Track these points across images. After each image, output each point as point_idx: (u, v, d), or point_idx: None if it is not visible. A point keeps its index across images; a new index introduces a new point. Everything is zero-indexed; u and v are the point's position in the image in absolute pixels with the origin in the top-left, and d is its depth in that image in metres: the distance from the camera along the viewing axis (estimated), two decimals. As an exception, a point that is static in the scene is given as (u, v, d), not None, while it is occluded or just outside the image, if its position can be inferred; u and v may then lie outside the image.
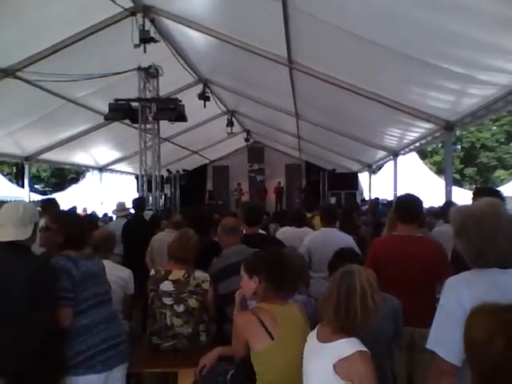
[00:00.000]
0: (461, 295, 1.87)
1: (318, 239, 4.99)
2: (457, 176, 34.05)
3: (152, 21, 7.76)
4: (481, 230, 1.94)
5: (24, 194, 13.63)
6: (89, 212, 12.65)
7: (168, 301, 3.60)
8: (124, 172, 18.25)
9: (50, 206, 5.94)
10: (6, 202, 3.75)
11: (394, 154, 12.03)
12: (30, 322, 2.55)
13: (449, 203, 6.07)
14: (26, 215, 2.73)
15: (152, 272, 3.78)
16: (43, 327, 2.63)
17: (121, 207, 7.70)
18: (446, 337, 1.88)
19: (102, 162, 15.99)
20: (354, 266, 2.27)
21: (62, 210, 5.66)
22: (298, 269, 3.31)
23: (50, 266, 2.83)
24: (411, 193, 3.93)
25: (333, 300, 2.18)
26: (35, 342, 2.57)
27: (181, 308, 3.58)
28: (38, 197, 19.99)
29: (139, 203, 7.47)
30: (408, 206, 3.77)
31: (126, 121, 10.13)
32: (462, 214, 2.04)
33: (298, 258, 3.54)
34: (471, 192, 4.47)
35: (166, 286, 3.63)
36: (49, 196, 17.31)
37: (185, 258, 3.73)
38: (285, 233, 5.75)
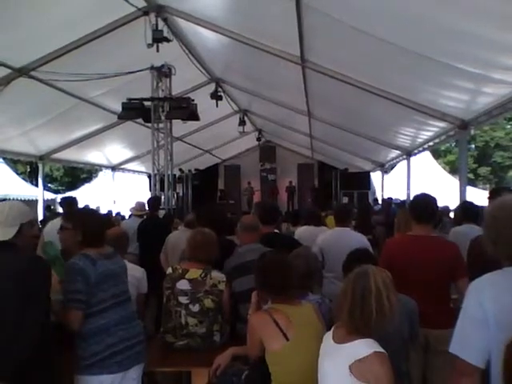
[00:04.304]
0: (481, 297, 1.85)
1: (332, 239, 4.97)
2: (471, 175, 33.70)
3: (165, 20, 7.78)
4: (496, 223, 1.92)
5: (38, 193, 13.75)
6: (104, 211, 12.74)
7: (184, 300, 3.59)
8: (136, 171, 18.34)
9: (68, 206, 6.00)
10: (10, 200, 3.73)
11: (407, 153, 11.95)
12: (20, 320, 2.49)
13: (465, 203, 6.00)
14: (10, 216, 2.67)
15: (169, 270, 3.76)
16: (35, 325, 2.55)
17: (140, 207, 7.75)
18: (467, 339, 1.86)
19: (115, 161, 16.09)
20: (368, 266, 2.24)
21: (79, 208, 5.71)
22: (304, 267, 3.26)
23: (37, 264, 2.75)
24: (426, 192, 3.89)
25: (348, 301, 2.16)
26: (26, 341, 2.49)
27: (196, 308, 3.57)
28: (51, 196, 20.20)
29: (154, 203, 7.51)
30: (424, 205, 3.73)
31: (139, 120, 10.21)
32: (487, 209, 2.03)
33: (311, 257, 3.51)
34: (485, 192, 4.43)
35: (183, 284, 3.61)
36: (64, 195, 17.47)
37: (205, 259, 3.71)
38: (304, 232, 5.74)
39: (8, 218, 2.66)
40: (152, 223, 7.04)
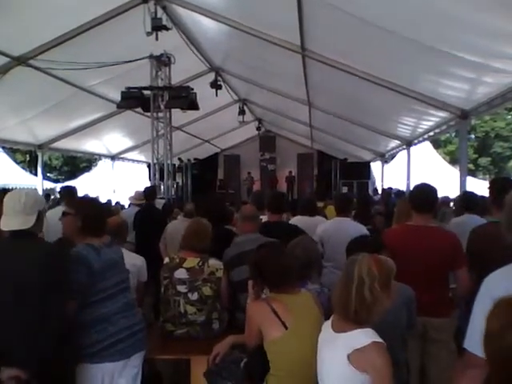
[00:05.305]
0: (494, 292, 1.81)
1: (331, 228, 4.96)
2: (471, 166, 33.67)
3: (164, 8, 7.73)
4: (510, 213, 1.91)
5: (37, 182, 13.74)
6: (103, 200, 12.77)
7: (182, 288, 3.61)
8: (136, 160, 18.32)
9: (68, 194, 6.01)
10: (12, 189, 3.74)
11: (408, 143, 11.94)
12: (46, 308, 2.55)
13: (466, 194, 5.99)
14: (28, 204, 2.69)
15: (166, 260, 3.79)
16: (60, 312, 2.63)
17: (139, 196, 7.78)
18: (476, 332, 1.85)
19: (114, 150, 16.06)
20: (362, 254, 2.19)
21: (80, 196, 5.71)
22: (303, 257, 3.25)
23: (59, 252, 2.84)
24: (426, 182, 3.88)
25: (337, 289, 2.18)
26: (53, 329, 2.57)
27: (195, 296, 3.60)
28: (50, 185, 20.17)
29: (150, 192, 7.52)
30: (424, 195, 3.72)
31: (138, 109, 10.18)
32: (507, 197, 2.01)
33: (311, 247, 3.50)
34: (485, 182, 4.41)
35: (181, 273, 3.63)
36: (64, 184, 17.42)
37: (201, 248, 3.73)
38: (299, 221, 5.72)
39: (26, 206, 2.68)
40: (148, 212, 7.06)
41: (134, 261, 4.12)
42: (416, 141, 11.60)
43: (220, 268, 3.68)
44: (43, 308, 2.53)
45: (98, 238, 3.03)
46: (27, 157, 34.26)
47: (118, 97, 9.42)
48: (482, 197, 5.23)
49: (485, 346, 1.47)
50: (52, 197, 15.52)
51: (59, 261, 2.71)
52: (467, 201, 5.43)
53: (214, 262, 3.69)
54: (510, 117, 37.49)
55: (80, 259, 2.86)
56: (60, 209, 5.40)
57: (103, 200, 13.01)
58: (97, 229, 3.07)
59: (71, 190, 6.21)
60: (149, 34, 7.37)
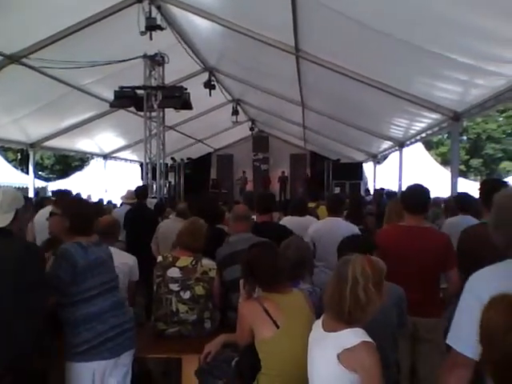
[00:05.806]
0: (479, 290, 1.81)
1: (323, 228, 4.97)
2: (462, 167, 33.75)
3: (158, 8, 7.72)
4: (498, 209, 1.92)
5: (29, 181, 13.67)
6: (95, 199, 12.74)
7: (174, 287, 3.61)
8: (128, 160, 18.27)
9: (63, 198, 5.94)
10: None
11: (400, 144, 11.99)
12: (23, 304, 2.52)
13: (459, 195, 6.01)
14: (5, 202, 2.66)
15: (159, 258, 3.79)
16: (38, 309, 2.62)
17: (131, 195, 7.76)
18: (463, 331, 1.84)
19: (107, 149, 16.01)
20: (354, 255, 2.19)
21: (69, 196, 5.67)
22: (295, 257, 3.26)
23: (36, 249, 2.83)
24: (419, 183, 3.89)
25: (329, 288, 2.18)
26: (32, 324, 2.56)
27: (187, 295, 3.60)
28: (42, 184, 20.05)
29: (142, 191, 7.50)
30: (417, 196, 3.73)
31: (131, 108, 10.16)
32: (494, 196, 2.02)
33: (302, 247, 3.51)
34: (476, 183, 4.42)
35: (174, 272, 3.64)
36: (55, 182, 17.30)
37: (194, 247, 3.74)
38: (289, 222, 5.73)
39: (3, 204, 2.65)
40: (139, 212, 7.04)
41: (125, 260, 4.12)
42: (408, 142, 11.66)
43: (213, 268, 3.68)
44: (21, 305, 2.50)
45: (86, 237, 3.03)
46: (18, 155, 33.97)
47: (111, 96, 9.40)
48: (477, 198, 5.25)
49: (484, 343, 1.46)
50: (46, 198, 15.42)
51: (36, 258, 2.69)
52: (461, 202, 5.45)
53: (207, 262, 3.69)
54: (501, 119, 37.66)
55: (65, 256, 2.86)
56: (49, 209, 5.37)
57: (95, 199, 12.99)
58: (85, 228, 3.07)
59: (66, 194, 6.16)
60: (143, 33, 7.37)
